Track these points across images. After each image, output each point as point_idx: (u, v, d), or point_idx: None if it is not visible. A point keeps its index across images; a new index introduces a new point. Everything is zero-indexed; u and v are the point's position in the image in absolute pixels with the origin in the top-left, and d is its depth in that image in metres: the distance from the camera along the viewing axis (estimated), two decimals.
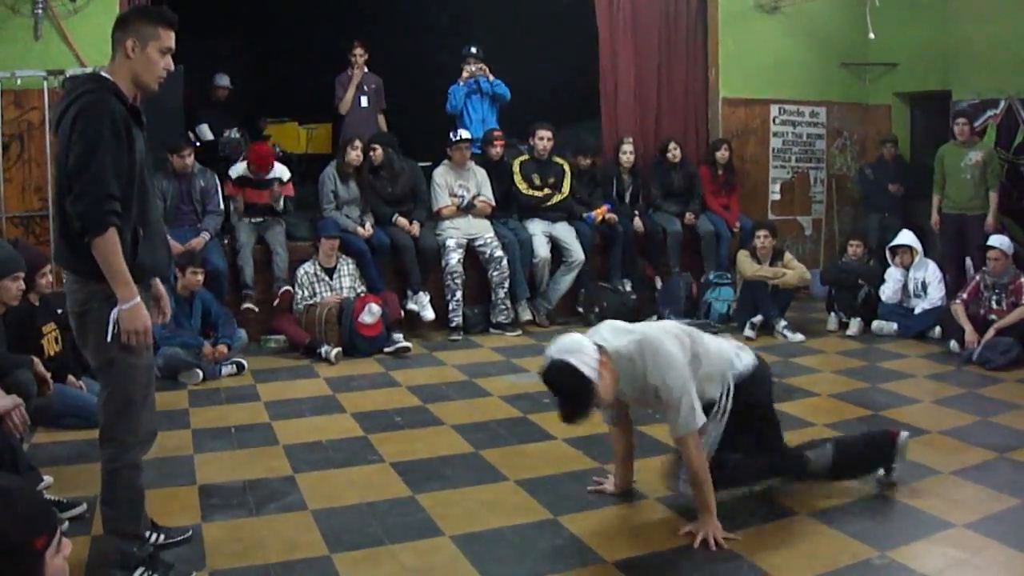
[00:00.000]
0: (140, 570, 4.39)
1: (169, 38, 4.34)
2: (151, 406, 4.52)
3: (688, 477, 5.00)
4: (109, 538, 4.48)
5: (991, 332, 8.92)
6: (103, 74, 4.29)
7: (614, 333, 5.04)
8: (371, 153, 10.53)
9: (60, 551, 2.70)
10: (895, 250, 10.40)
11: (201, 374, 8.37)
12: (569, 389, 4.75)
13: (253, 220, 10.08)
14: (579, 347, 4.78)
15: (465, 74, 11.60)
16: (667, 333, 5.05)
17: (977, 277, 9.47)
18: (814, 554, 4.74)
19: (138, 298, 4.17)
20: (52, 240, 4.35)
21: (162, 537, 4.80)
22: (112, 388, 4.33)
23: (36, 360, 6.26)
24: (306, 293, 9.60)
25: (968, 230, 10.89)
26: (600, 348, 4.85)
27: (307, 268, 9.73)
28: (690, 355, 5.02)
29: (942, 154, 11.31)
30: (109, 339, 4.17)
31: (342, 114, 11.93)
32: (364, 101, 11.88)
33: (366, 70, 11.95)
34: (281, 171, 10.27)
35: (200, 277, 8.74)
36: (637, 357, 4.89)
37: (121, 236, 4.14)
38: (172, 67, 4.43)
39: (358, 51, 11.87)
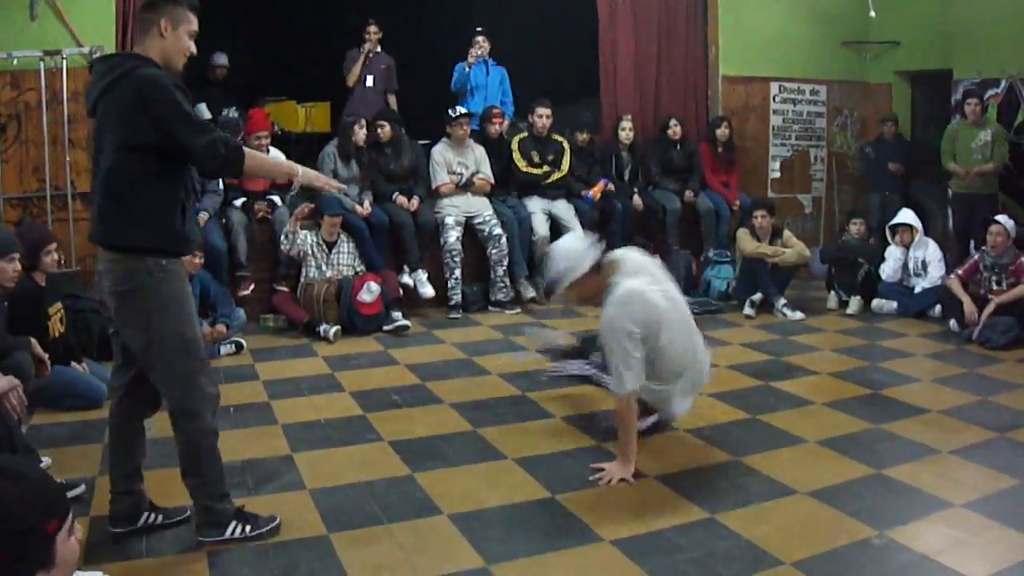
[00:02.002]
0: (233, 524, 4.59)
1: (195, 22, 4.46)
2: (209, 370, 4.63)
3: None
4: (199, 505, 4.61)
5: (991, 307, 8.91)
6: (139, 52, 4.34)
7: (633, 264, 5.70)
8: (379, 130, 10.51)
9: (72, 533, 2.71)
10: (895, 229, 10.39)
11: None
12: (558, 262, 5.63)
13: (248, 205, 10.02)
14: (580, 254, 5.59)
15: (472, 57, 11.57)
16: (651, 303, 5.48)
17: (976, 256, 9.44)
18: (812, 533, 4.75)
19: (299, 168, 4.71)
20: (92, 218, 4.37)
21: (160, 518, 4.83)
22: (168, 364, 4.40)
23: (34, 341, 6.25)
24: (298, 239, 9.52)
25: (978, 210, 10.79)
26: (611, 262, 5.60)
27: (309, 235, 9.68)
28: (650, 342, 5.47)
29: (954, 132, 11.24)
30: (294, 191, 4.52)
31: (348, 85, 11.90)
32: (370, 80, 11.83)
33: (379, 49, 11.91)
34: (277, 156, 10.11)
35: (199, 260, 8.69)
36: (611, 298, 5.49)
37: (171, 207, 4.30)
38: (195, 50, 4.50)
39: (372, 28, 11.84)
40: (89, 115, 4.43)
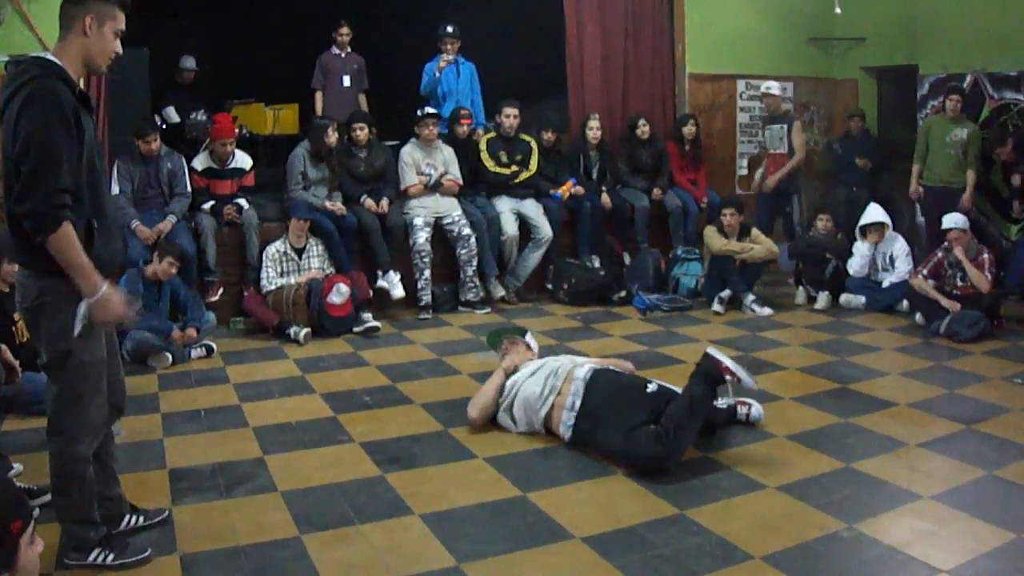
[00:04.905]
0: (96, 551, 4.42)
1: (122, 20, 4.28)
2: (102, 398, 4.45)
3: None
4: (64, 526, 4.48)
5: (960, 254, 9.17)
6: (49, 58, 4.15)
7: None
8: (358, 132, 10.52)
9: (33, 544, 2.71)
10: (865, 229, 10.41)
11: (170, 358, 8.32)
12: None
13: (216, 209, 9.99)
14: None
15: (442, 62, 11.54)
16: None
17: (939, 254, 9.49)
18: (782, 527, 4.78)
19: (104, 286, 4.10)
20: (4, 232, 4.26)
21: (141, 519, 4.87)
22: (63, 384, 4.30)
23: (4, 348, 6.23)
24: (272, 273, 9.56)
25: (952, 203, 10.75)
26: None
27: (277, 246, 9.68)
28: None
29: (928, 125, 11.29)
30: (76, 333, 4.13)
31: (314, 87, 11.88)
32: (346, 80, 11.81)
33: (349, 50, 11.89)
34: (243, 160, 10.24)
35: (175, 270, 8.69)
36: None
37: (75, 229, 4.05)
38: (121, 51, 4.33)
39: (343, 30, 11.81)
40: None
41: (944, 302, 9.12)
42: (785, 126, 11.76)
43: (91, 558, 4.40)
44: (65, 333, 4.17)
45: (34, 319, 4.25)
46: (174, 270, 8.69)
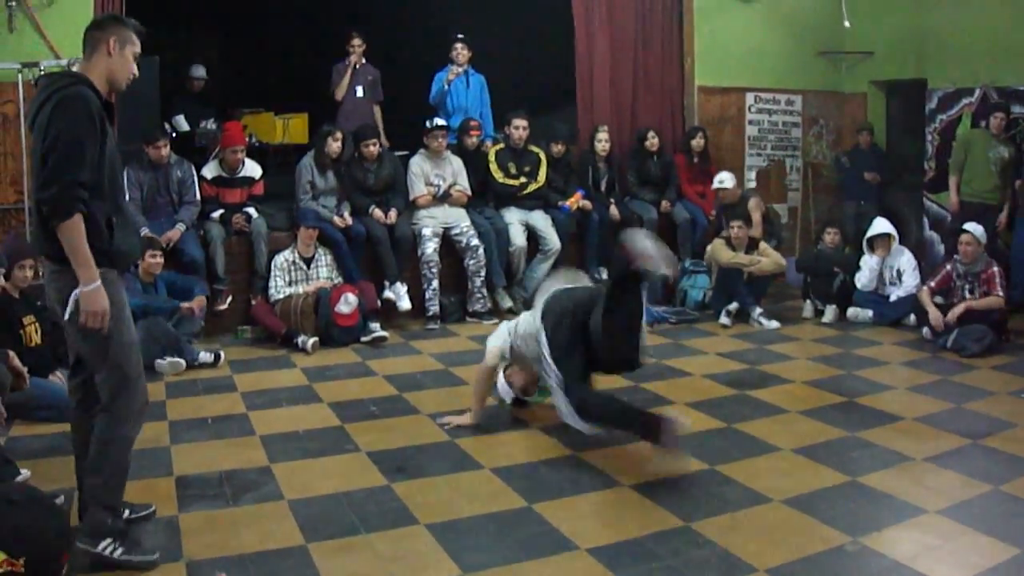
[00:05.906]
0: (107, 541, 4.45)
1: (139, 45, 4.68)
2: (143, 378, 4.67)
3: None
4: (89, 508, 4.53)
5: (961, 308, 9.02)
6: (78, 71, 4.49)
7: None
8: (368, 148, 10.48)
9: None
10: (872, 242, 10.41)
11: (183, 363, 8.36)
12: None
13: (225, 217, 10.01)
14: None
15: (452, 74, 11.56)
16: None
17: (948, 266, 9.48)
18: (787, 540, 4.78)
19: (99, 281, 4.30)
20: (29, 231, 4.42)
21: (127, 512, 4.92)
22: (110, 368, 4.48)
23: (12, 354, 6.25)
24: (281, 282, 9.57)
25: (986, 218, 10.59)
26: None
27: (286, 255, 9.69)
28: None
29: (969, 138, 11.18)
30: (67, 318, 4.35)
31: (337, 100, 11.83)
32: (360, 91, 11.77)
33: (364, 61, 11.89)
34: (253, 169, 10.27)
35: (159, 259, 8.78)
36: None
37: (95, 223, 4.32)
38: (137, 72, 4.72)
39: (355, 41, 11.80)
40: (29, 129, 4.53)
41: (932, 317, 9.19)
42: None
43: (100, 547, 4.43)
44: (70, 317, 4.37)
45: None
46: (159, 259, 8.78)
